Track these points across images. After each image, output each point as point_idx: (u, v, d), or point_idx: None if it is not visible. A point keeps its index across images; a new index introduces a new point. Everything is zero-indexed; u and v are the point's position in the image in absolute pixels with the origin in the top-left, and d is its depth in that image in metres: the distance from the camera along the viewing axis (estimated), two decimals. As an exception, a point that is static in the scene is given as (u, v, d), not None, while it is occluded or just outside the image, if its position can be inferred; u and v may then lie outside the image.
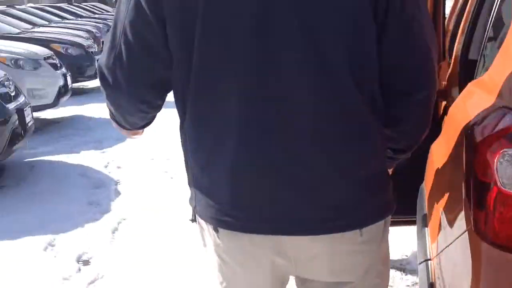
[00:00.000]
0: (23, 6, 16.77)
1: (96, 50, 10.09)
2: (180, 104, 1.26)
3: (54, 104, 6.92)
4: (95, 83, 10.03)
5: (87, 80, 9.59)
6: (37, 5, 19.22)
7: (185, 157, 1.31)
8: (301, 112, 1.17)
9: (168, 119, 6.84)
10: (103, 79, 1.29)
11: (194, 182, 1.28)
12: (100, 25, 15.77)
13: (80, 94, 9.09)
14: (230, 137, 1.19)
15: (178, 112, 1.28)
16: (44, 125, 6.78)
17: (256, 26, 1.14)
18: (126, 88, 1.27)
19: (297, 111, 1.17)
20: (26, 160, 5.41)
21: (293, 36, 1.14)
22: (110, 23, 18.02)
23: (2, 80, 5.03)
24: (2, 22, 10.15)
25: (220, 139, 1.20)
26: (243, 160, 1.19)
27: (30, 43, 7.94)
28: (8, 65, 6.60)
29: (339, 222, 1.22)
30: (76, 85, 8.46)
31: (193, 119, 1.23)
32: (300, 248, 1.24)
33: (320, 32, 1.14)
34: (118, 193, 4.51)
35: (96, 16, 21.16)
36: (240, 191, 1.21)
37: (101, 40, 13.18)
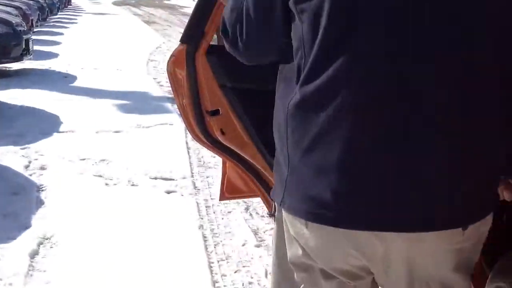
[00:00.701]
0: None
1: (25, 29, 9.07)
2: (289, 80, 1.23)
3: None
4: (20, 65, 9.03)
5: (12, 62, 8.52)
6: (-40, -24, 17.74)
7: (279, 143, 1.27)
8: (428, 103, 1.13)
9: (104, 110, 6.06)
10: (224, 32, 1.32)
11: (290, 171, 1.23)
12: (31, 2, 14.69)
13: (1, 77, 8.03)
14: (342, 123, 1.14)
15: (285, 90, 1.25)
16: (-46, 112, 5.80)
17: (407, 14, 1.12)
18: (243, 51, 1.33)
19: (424, 101, 1.13)
20: None
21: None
22: (40, 1, 16.92)
23: None
24: None
25: (331, 125, 1.15)
26: (355, 149, 1.14)
27: None
28: None
29: (451, 217, 1.18)
30: (-3, 66, 7.46)
31: (303, 98, 1.18)
32: (400, 247, 1.20)
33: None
34: (41, 203, 3.72)
35: (26, -8, 19.91)
36: (347, 183, 1.16)
37: (31, 18, 12.16)
